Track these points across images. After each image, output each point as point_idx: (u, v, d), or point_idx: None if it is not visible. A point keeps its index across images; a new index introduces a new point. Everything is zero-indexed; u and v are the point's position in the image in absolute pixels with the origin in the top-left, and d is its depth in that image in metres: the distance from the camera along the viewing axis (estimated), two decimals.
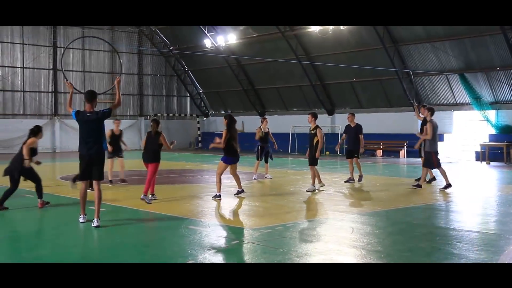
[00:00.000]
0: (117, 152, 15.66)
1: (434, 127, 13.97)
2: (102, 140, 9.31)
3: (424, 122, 15.18)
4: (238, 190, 12.76)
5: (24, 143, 11.19)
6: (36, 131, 11.47)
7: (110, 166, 15.35)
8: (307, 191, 13.44)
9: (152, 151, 12.19)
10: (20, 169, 11.02)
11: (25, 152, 10.99)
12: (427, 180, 15.12)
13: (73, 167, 22.99)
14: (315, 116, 14.01)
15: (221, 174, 12.41)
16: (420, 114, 16.13)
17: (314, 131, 13.70)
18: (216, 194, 12.27)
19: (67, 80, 10.27)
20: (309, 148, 13.86)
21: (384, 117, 31.07)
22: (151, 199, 12.00)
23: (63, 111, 36.89)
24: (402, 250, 7.42)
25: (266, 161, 17.00)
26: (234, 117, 12.85)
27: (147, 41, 40.45)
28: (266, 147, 16.85)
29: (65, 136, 36.65)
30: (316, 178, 13.79)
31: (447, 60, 28.21)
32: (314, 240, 7.96)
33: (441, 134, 29.17)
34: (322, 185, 13.89)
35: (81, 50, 37.55)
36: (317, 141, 13.51)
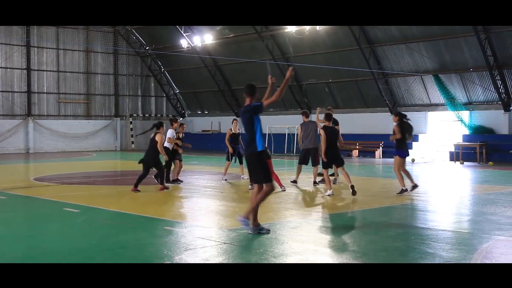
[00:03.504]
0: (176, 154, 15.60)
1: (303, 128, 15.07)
2: (256, 138, 8.32)
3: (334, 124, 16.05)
4: (402, 189, 13.05)
5: (152, 139, 13.70)
6: (158, 126, 13.87)
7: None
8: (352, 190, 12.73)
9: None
10: (154, 161, 13.61)
11: (160, 150, 13.59)
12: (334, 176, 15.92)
13: (48, 168, 22.78)
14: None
15: (402, 169, 12.93)
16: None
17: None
18: (402, 189, 12.91)
19: (270, 76, 9.07)
20: (334, 149, 13.23)
21: (360, 117, 31.32)
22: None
23: (36, 111, 36.42)
24: (378, 250, 7.48)
25: (241, 162, 16.89)
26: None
27: (122, 41, 40.14)
28: (237, 148, 16.73)
29: (39, 136, 36.19)
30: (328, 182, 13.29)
31: (421, 61, 28.54)
32: (290, 240, 7.97)
33: (416, 134, 29.55)
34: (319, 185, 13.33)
35: (55, 49, 37.10)
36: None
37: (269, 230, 8.39)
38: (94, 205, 11.55)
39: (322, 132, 13.19)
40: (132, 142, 40.07)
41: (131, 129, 40.21)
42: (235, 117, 18.85)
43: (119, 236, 8.47)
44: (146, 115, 41.76)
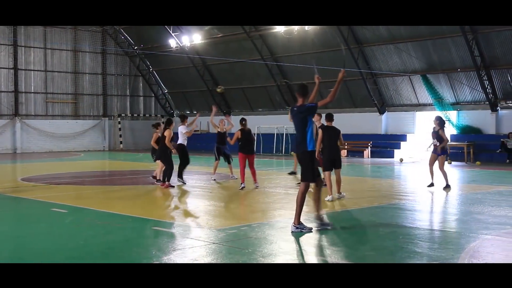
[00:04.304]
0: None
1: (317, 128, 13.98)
2: (307, 137, 8.48)
3: None
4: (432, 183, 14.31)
5: (162, 135, 14.61)
6: (168, 123, 14.59)
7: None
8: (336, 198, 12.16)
9: (251, 144, 14.76)
10: (161, 154, 14.55)
11: (168, 145, 14.34)
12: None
13: (35, 168, 22.63)
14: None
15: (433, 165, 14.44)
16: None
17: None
18: (432, 183, 14.29)
19: (317, 76, 9.19)
20: (333, 150, 12.40)
21: (348, 117, 31.36)
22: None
23: (24, 111, 36.16)
24: (366, 249, 7.50)
25: (229, 162, 16.86)
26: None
27: (111, 40, 39.96)
28: (223, 148, 16.70)
29: (26, 136, 35.94)
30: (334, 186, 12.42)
31: (410, 61, 28.67)
32: (279, 240, 7.98)
33: (404, 134, 29.73)
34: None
35: (43, 49, 36.84)
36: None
37: (311, 229, 8.56)
38: (82, 206, 11.50)
39: (319, 131, 12.96)
40: (121, 142, 39.91)
41: (119, 129, 40.07)
42: (222, 117, 18.74)
43: (107, 237, 8.44)
44: (135, 115, 41.61)
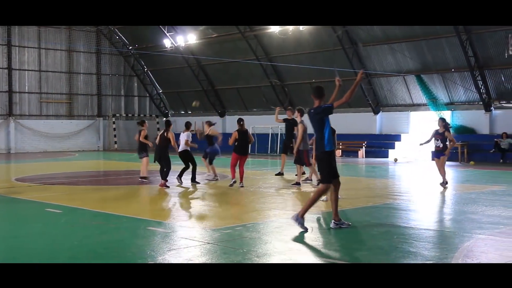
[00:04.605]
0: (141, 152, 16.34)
1: (305, 128, 14.19)
2: (325, 138, 8.72)
3: (294, 124, 15.96)
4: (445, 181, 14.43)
5: (162, 136, 14.62)
6: (169, 124, 14.90)
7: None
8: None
9: (246, 146, 14.61)
10: (161, 155, 14.56)
11: (173, 144, 14.61)
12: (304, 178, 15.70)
13: (29, 168, 22.56)
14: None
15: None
16: (293, 117, 16.78)
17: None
18: (446, 182, 14.38)
19: (338, 78, 9.44)
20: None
21: (343, 117, 31.40)
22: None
23: (18, 111, 36.04)
24: (361, 249, 7.52)
25: (210, 162, 17.03)
26: None
27: (105, 40, 39.87)
28: (207, 148, 17.00)
29: (21, 136, 35.82)
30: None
31: (404, 62, 28.73)
32: (273, 240, 7.99)
33: (398, 134, 29.79)
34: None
35: (37, 49, 36.72)
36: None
37: (350, 224, 8.88)
38: (76, 206, 11.48)
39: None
40: (115, 142, 39.83)
41: (114, 129, 39.98)
42: (208, 119, 18.50)
43: (101, 237, 8.43)
44: (129, 115, 41.52)
